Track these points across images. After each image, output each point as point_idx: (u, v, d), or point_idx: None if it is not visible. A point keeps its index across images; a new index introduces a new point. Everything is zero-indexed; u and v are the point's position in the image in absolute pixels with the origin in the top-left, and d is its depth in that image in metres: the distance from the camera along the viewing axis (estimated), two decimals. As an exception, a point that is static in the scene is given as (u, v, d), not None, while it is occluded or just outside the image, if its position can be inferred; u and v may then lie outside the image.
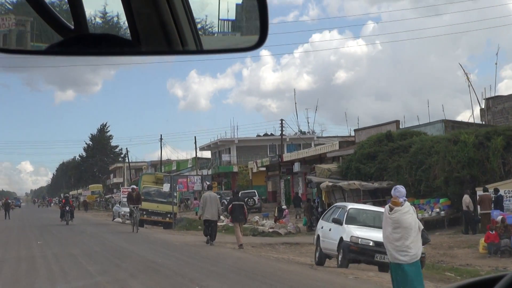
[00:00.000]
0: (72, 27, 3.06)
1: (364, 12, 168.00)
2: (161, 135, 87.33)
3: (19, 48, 3.17)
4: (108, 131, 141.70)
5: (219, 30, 3.23)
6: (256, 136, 72.48)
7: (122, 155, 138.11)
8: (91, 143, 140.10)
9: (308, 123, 73.19)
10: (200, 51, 3.24)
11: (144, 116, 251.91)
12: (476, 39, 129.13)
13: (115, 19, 3.15)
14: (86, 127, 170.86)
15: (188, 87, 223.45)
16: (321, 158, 50.46)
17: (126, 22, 3.05)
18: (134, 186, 36.17)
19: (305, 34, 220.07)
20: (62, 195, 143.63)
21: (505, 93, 43.21)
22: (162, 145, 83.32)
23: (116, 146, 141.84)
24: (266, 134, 72.15)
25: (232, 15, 3.19)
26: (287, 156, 55.98)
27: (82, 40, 3.05)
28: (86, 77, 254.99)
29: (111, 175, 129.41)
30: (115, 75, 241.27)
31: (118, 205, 49.92)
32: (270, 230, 33.79)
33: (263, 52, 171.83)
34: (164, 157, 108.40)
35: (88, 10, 3.10)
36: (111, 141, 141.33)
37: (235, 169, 66.10)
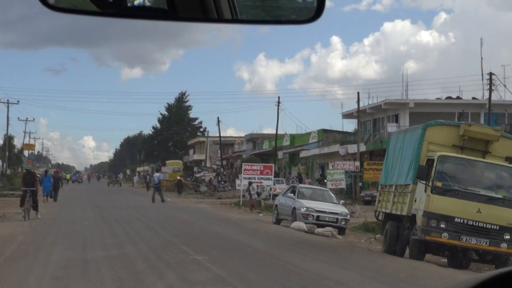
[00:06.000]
0: None
1: (438, 3, 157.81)
2: (278, 97, 65.31)
3: (62, 6, 3.33)
4: (187, 100, 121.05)
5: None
6: (436, 99, 49.55)
7: (202, 129, 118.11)
8: (166, 113, 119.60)
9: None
10: (236, 20, 3.24)
11: (209, 96, 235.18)
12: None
13: None
14: (152, 105, 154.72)
15: (254, 70, 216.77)
16: None
17: None
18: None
19: (376, 22, 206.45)
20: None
21: None
22: (279, 112, 61.38)
23: (195, 119, 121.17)
24: (449, 97, 49.28)
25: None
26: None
27: (120, 3, 3.29)
28: (154, 56, 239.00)
29: (190, 151, 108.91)
30: (183, 55, 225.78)
31: (292, 194, 25.79)
32: None
33: (334, 38, 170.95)
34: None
35: None
36: (189, 112, 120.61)
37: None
